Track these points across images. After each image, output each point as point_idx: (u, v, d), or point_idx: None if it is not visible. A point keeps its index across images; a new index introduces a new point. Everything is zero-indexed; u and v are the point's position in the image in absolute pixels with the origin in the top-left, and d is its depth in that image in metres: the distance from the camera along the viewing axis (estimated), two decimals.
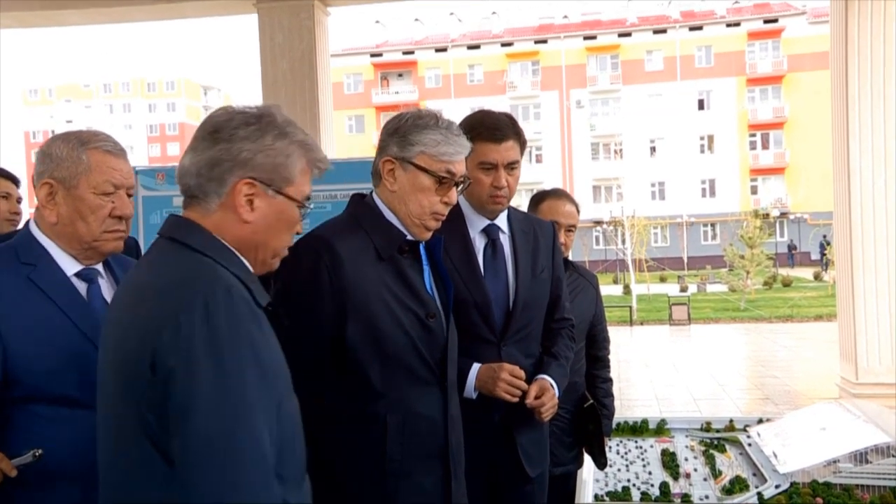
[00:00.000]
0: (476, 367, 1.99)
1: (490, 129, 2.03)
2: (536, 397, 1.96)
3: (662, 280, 28.49)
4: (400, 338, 1.67)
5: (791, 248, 36.15)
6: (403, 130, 1.72)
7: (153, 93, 63.60)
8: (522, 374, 1.96)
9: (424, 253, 1.79)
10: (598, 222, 38.03)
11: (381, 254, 1.70)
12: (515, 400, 1.96)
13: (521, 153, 2.10)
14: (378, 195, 1.78)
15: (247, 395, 1.11)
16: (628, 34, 42.93)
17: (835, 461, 2.65)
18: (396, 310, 1.68)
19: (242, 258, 1.29)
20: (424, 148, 1.70)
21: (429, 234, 1.77)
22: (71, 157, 1.67)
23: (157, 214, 4.03)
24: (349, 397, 1.68)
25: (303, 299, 1.66)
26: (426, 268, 1.79)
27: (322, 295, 1.64)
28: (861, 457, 2.64)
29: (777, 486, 2.61)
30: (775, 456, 2.82)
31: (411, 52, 45.52)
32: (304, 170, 1.33)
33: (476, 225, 2.11)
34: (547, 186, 3.19)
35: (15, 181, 3.00)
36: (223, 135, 1.27)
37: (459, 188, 1.78)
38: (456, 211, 2.11)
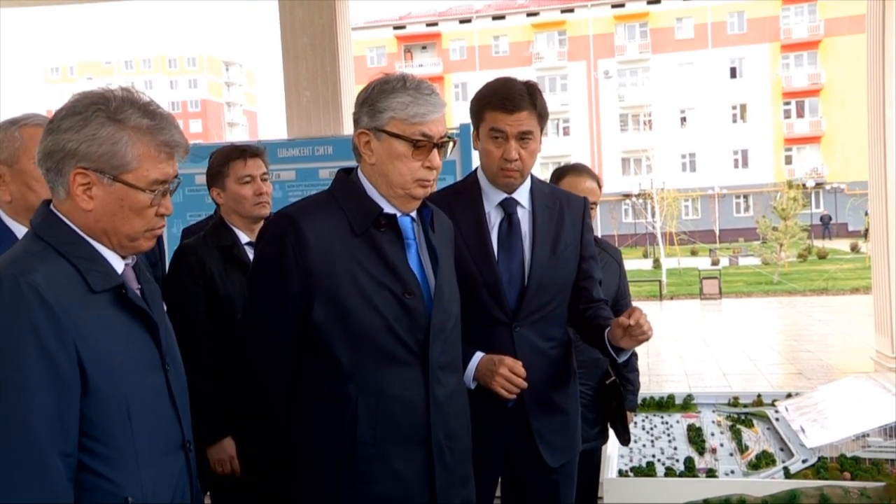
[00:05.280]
0: (478, 356, 1.92)
1: (501, 98, 1.92)
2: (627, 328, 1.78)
3: (693, 253, 28.08)
4: (370, 316, 1.58)
5: (824, 219, 35.19)
6: (372, 99, 1.62)
7: (174, 69, 63.62)
8: (523, 371, 1.88)
9: (412, 227, 1.69)
10: (628, 195, 37.56)
11: (355, 229, 1.61)
12: (512, 397, 1.89)
13: (541, 125, 1.98)
14: (361, 170, 1.69)
15: (19, 378, 1.16)
16: (657, 1, 41.83)
17: (864, 435, 2.60)
18: (368, 287, 1.58)
19: (96, 243, 1.32)
20: (394, 113, 1.59)
21: (415, 205, 1.68)
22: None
23: (179, 193, 4.05)
24: (320, 378, 1.61)
25: (269, 279, 1.61)
26: (413, 243, 1.68)
27: (287, 274, 1.57)
28: (891, 431, 2.58)
29: (804, 461, 2.57)
30: (803, 430, 2.78)
31: (435, 24, 45.04)
32: (146, 154, 1.31)
33: (492, 199, 2.02)
34: (574, 159, 3.14)
35: None
36: (52, 125, 1.30)
37: (450, 149, 1.67)
38: (472, 184, 2.07)
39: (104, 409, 1.24)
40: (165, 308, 1.51)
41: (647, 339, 1.82)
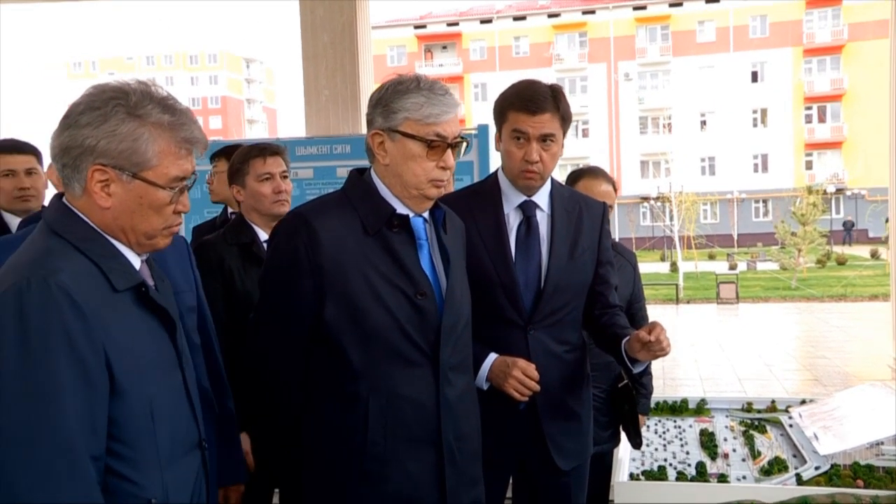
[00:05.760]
0: (491, 357, 1.92)
1: (524, 99, 1.92)
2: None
3: (711, 257, 27.86)
4: (382, 316, 1.57)
5: (847, 225, 34.78)
6: (385, 99, 1.61)
7: (195, 66, 63.97)
8: (536, 374, 1.88)
9: (425, 228, 1.69)
10: (646, 198, 37.35)
11: (367, 229, 1.61)
12: (525, 399, 1.89)
13: (564, 128, 1.97)
14: (374, 171, 1.68)
15: (52, 382, 1.13)
16: (679, 4, 41.56)
17: (878, 443, 2.58)
18: (380, 287, 1.58)
19: (113, 240, 1.29)
20: (408, 113, 1.59)
21: (428, 205, 1.68)
22: None
23: (196, 189, 4.08)
24: (332, 376, 1.62)
25: (282, 277, 1.61)
26: (425, 244, 1.68)
27: (300, 273, 1.57)
28: None
29: (817, 468, 2.56)
30: (816, 437, 2.77)
31: (455, 24, 45.06)
32: (167, 151, 1.27)
33: (512, 201, 2.02)
34: (593, 161, 3.14)
35: (22, 152, 2.80)
36: (70, 120, 1.26)
37: (464, 148, 1.67)
38: (492, 185, 2.08)
39: (129, 411, 1.23)
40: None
41: (664, 356, 1.83)
